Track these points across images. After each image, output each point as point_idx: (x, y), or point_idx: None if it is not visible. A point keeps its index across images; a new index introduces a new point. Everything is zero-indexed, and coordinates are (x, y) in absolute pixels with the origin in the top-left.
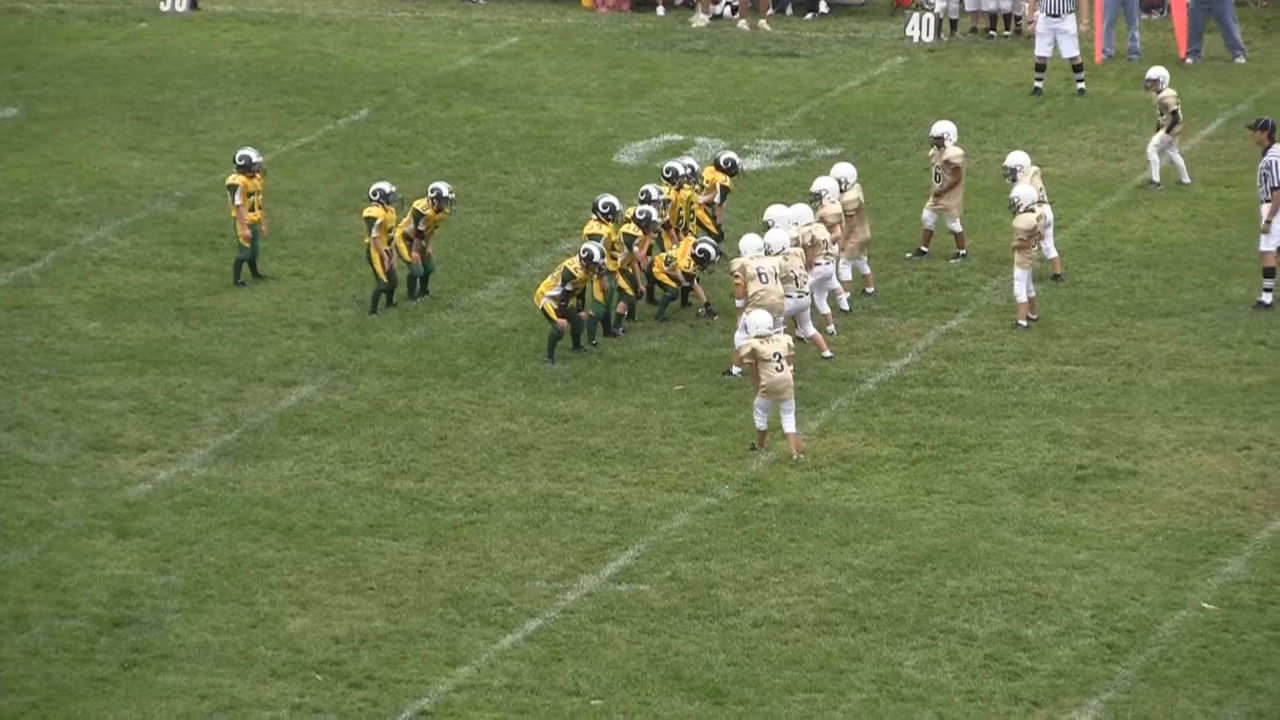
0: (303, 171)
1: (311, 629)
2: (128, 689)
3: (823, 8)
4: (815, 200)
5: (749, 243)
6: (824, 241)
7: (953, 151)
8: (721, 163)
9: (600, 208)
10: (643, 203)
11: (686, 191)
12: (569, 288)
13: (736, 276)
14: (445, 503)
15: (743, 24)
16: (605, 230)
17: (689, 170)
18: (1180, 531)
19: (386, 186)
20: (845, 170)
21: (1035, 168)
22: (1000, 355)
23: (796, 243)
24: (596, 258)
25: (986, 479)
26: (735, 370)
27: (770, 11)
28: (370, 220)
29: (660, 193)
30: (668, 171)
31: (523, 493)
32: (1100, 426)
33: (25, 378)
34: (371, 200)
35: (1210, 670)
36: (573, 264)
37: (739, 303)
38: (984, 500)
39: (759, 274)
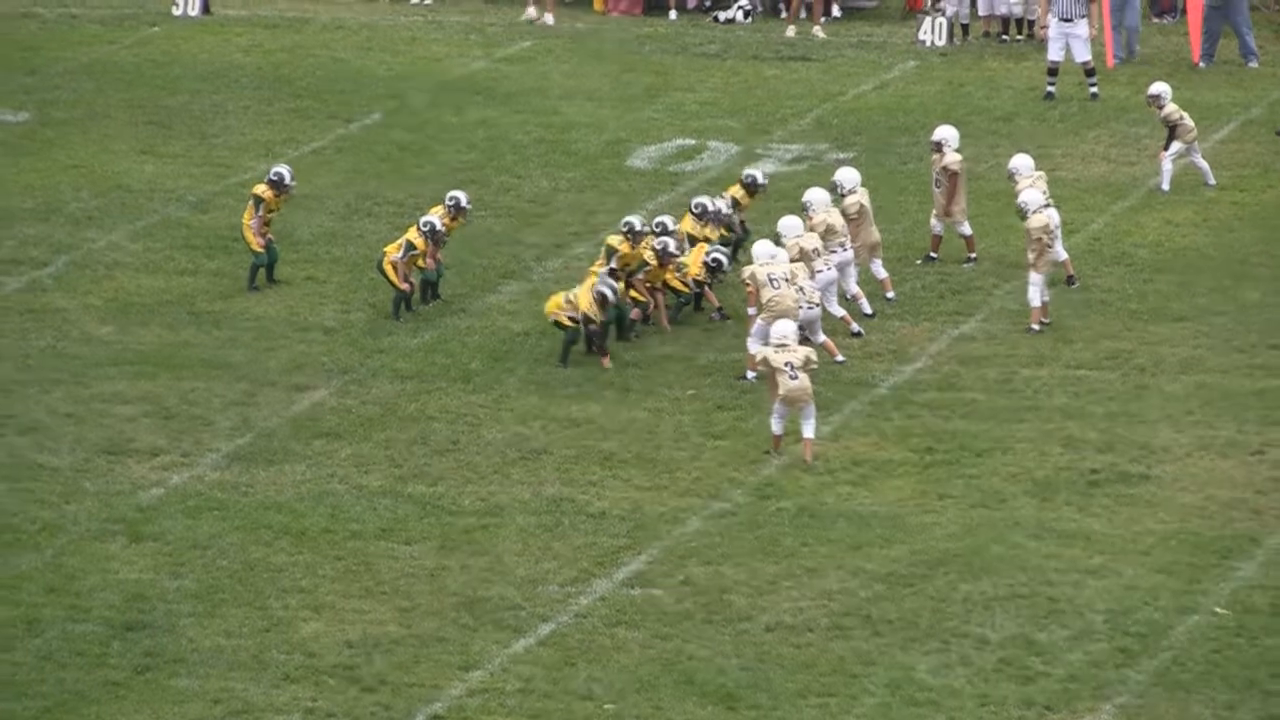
0: (315, 176)
1: (324, 633)
2: (140, 693)
3: (835, 12)
4: (803, 211)
5: (760, 249)
6: (814, 249)
7: (951, 157)
8: (743, 178)
9: (621, 226)
10: (661, 233)
11: (707, 230)
12: (590, 328)
13: (748, 284)
14: (458, 507)
15: (818, 30)
16: (623, 248)
17: (715, 210)
18: (1193, 536)
19: (437, 223)
20: (843, 175)
21: (1040, 172)
22: (1013, 359)
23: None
24: (610, 299)
25: (999, 483)
26: (750, 375)
27: (802, 16)
28: (410, 245)
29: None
30: (696, 207)
31: (535, 497)
32: (1113, 431)
33: (38, 382)
34: (421, 230)
35: (1223, 674)
36: (590, 309)
37: (751, 310)
38: (997, 505)
39: (770, 280)
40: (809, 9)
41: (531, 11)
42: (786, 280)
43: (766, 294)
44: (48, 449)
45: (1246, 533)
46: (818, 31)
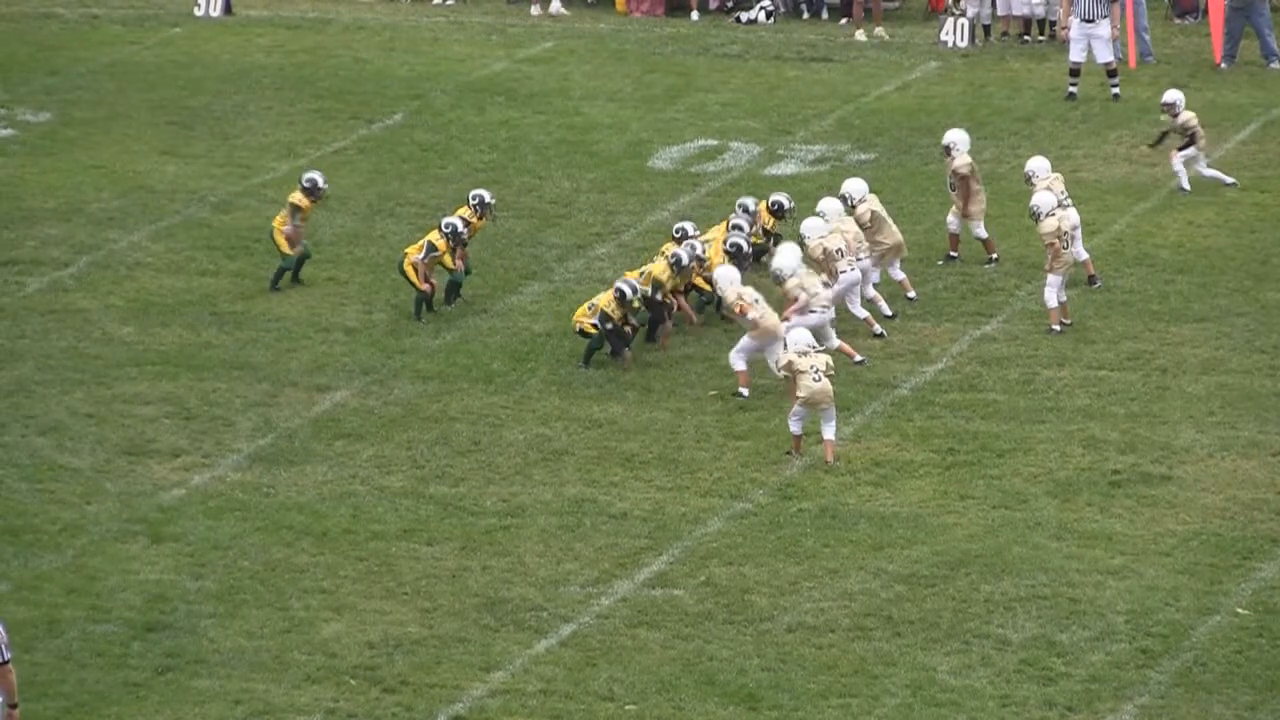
0: (337, 176)
1: (345, 634)
2: (161, 694)
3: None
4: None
5: (724, 273)
6: (838, 250)
7: (960, 161)
8: (770, 204)
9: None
10: (679, 239)
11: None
12: (609, 326)
13: (737, 304)
14: (479, 507)
15: (860, 34)
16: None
17: (736, 248)
18: (1214, 536)
19: (459, 224)
20: (851, 186)
21: (1056, 174)
22: (1034, 360)
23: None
24: (629, 296)
25: (1021, 484)
26: (743, 391)
27: (843, 21)
28: (431, 246)
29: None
30: (678, 231)
31: (557, 497)
32: (1134, 431)
33: (59, 382)
34: (442, 231)
35: (1244, 675)
36: (610, 307)
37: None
38: (1018, 505)
39: (755, 300)
40: (868, 11)
41: (536, 9)
42: (765, 300)
43: (753, 314)
44: (69, 449)
45: (1268, 533)
46: (860, 35)
